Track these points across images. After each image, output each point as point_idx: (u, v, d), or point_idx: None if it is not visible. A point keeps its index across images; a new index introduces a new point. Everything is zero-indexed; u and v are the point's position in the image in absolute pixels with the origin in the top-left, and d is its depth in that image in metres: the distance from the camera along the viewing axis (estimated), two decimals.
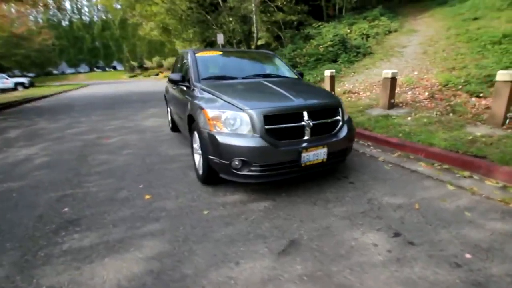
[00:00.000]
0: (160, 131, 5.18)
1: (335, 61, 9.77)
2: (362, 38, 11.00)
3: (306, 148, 2.23)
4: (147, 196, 2.54)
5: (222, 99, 2.41)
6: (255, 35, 13.97)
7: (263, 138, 2.15)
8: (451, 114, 4.23)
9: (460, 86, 5.31)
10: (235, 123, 2.21)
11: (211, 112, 2.30)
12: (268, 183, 2.62)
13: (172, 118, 4.73)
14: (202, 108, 2.39)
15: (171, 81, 3.16)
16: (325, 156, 2.34)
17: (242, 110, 2.21)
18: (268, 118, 2.18)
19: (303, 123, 2.26)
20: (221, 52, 3.48)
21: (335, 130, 2.46)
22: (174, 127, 4.85)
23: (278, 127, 2.21)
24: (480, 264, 1.58)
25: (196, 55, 3.29)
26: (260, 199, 2.40)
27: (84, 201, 2.49)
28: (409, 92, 5.83)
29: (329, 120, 2.44)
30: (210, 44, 14.92)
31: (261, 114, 2.17)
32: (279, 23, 13.32)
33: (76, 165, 3.47)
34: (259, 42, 14.23)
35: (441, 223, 1.99)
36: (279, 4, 12.50)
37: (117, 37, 43.35)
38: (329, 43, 10.19)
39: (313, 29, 12.13)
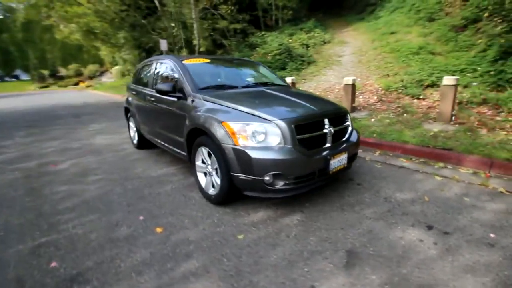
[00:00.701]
0: (121, 150, 4.51)
1: (283, 68, 10.27)
2: (303, 48, 11.89)
3: (332, 155, 2.25)
4: (159, 229, 2.15)
5: (239, 110, 2.24)
6: (196, 42, 13.62)
7: (295, 149, 2.08)
8: (405, 115, 4.91)
9: (400, 90, 6.23)
10: (263, 135, 2.08)
11: (235, 125, 2.11)
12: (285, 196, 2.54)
13: (140, 134, 4.17)
14: (220, 121, 2.17)
15: (160, 91, 2.78)
16: (346, 161, 2.41)
17: (270, 121, 2.09)
18: (297, 128, 2.12)
19: (325, 130, 2.28)
20: (208, 60, 3.25)
21: (347, 136, 2.56)
22: (142, 144, 4.29)
23: (307, 136, 2.17)
24: (506, 240, 1.85)
25: (184, 62, 2.99)
26: (288, 213, 2.31)
27: (74, 249, 1.96)
28: (361, 97, 6.54)
29: (343, 126, 2.52)
30: (148, 51, 13.84)
31: (291, 124, 2.09)
32: (222, 31, 13.29)
33: (32, 202, 2.71)
34: (201, 49, 13.90)
35: (454, 210, 2.26)
36: (223, 12, 12.50)
37: (19, 41, 36.10)
38: (276, 51, 10.66)
39: (257, 38, 12.51)
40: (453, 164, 3.18)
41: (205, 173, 2.60)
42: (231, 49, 12.92)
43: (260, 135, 2.08)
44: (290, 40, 12.25)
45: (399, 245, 1.85)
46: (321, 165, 2.20)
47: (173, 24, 12.61)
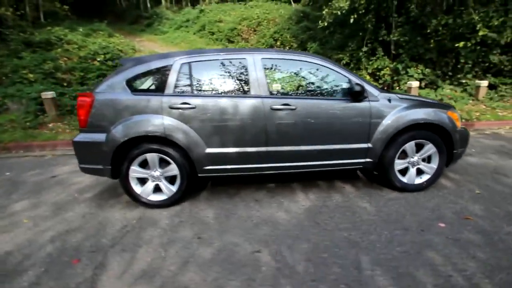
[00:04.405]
0: (161, 220, 2.25)
1: None
2: (123, 54, 10.07)
3: None
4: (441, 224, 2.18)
5: (431, 102, 2.77)
6: None
7: None
8: None
9: None
10: None
11: (455, 113, 2.63)
12: None
13: (192, 174, 2.42)
14: (445, 112, 2.56)
15: (356, 95, 2.34)
16: None
17: (450, 106, 2.86)
18: None
19: None
20: None
21: None
22: (188, 189, 2.51)
23: None
24: None
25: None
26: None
27: None
28: None
29: None
30: None
31: None
32: None
33: None
34: None
35: None
36: None
37: None
38: (106, 55, 8.26)
39: (50, 34, 8.59)
40: None
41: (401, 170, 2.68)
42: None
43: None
44: (104, 43, 9.76)
45: None
46: None
47: None
